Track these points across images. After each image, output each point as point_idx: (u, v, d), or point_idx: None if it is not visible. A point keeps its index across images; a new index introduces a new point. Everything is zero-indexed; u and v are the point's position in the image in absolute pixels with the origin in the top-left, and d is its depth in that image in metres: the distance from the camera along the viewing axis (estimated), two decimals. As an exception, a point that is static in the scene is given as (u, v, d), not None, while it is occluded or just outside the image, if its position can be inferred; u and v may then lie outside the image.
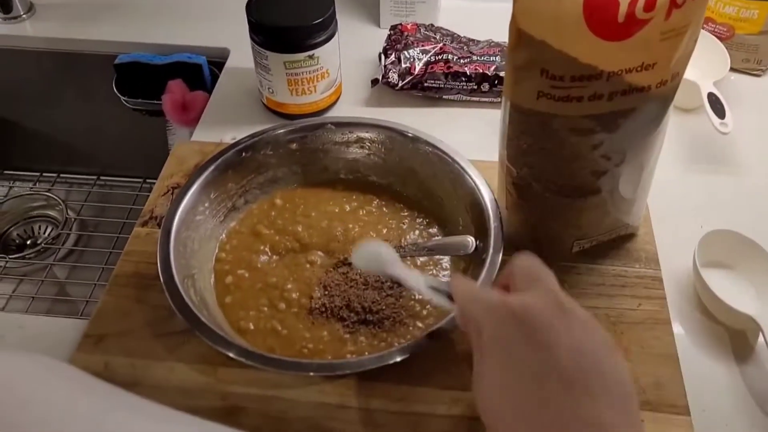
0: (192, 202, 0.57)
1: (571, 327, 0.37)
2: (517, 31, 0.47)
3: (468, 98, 0.82)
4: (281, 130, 0.63)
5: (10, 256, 0.96)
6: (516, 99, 0.51)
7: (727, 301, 0.57)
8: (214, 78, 0.89)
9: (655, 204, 0.68)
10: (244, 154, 0.61)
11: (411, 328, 0.54)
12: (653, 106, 0.52)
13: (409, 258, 0.58)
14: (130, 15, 0.97)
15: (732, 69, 0.81)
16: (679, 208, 0.69)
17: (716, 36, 0.82)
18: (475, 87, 0.80)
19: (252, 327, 0.54)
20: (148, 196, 0.70)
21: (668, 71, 0.50)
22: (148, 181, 1.05)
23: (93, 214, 1.03)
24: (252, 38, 0.75)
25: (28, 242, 0.99)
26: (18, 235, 1.01)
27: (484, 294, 0.41)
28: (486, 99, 0.81)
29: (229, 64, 0.89)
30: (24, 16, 0.95)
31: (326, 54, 0.75)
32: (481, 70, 0.80)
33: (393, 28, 0.87)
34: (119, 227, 0.98)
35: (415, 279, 0.50)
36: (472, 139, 0.74)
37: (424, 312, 0.55)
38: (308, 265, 0.58)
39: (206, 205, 0.59)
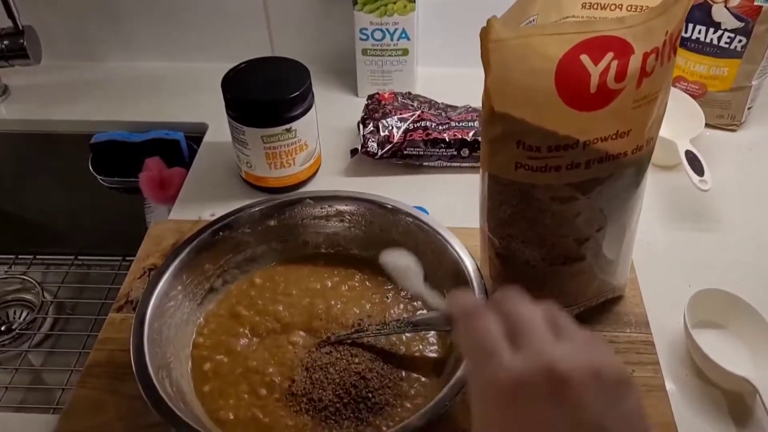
0: (167, 286, 0.55)
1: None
2: (490, 107, 0.46)
3: (448, 164, 0.81)
4: (259, 208, 0.62)
5: (-16, 344, 0.93)
6: (494, 170, 0.51)
7: (721, 364, 0.55)
8: (193, 153, 0.88)
9: (641, 264, 0.67)
10: (221, 233, 0.60)
11: (399, 409, 0.52)
12: (630, 171, 0.52)
13: (394, 335, 0.57)
14: (105, 93, 0.97)
15: (707, 125, 0.82)
16: (666, 268, 0.68)
17: (689, 94, 0.83)
18: (455, 153, 0.80)
19: (232, 417, 0.52)
20: (127, 275, 0.69)
21: (643, 137, 0.50)
22: (127, 258, 1.02)
23: (70, 296, 1.00)
24: (228, 113, 0.75)
25: (3, 328, 0.96)
26: (-8, 320, 0.99)
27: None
28: (466, 164, 0.81)
29: (207, 138, 0.89)
30: (-2, 99, 0.95)
31: (304, 126, 0.75)
32: (460, 136, 0.80)
33: (370, 97, 0.87)
34: (98, 308, 0.95)
35: (436, 302, 0.53)
36: (455, 205, 0.73)
37: (412, 391, 0.53)
38: (290, 347, 0.56)
39: (182, 288, 0.57)
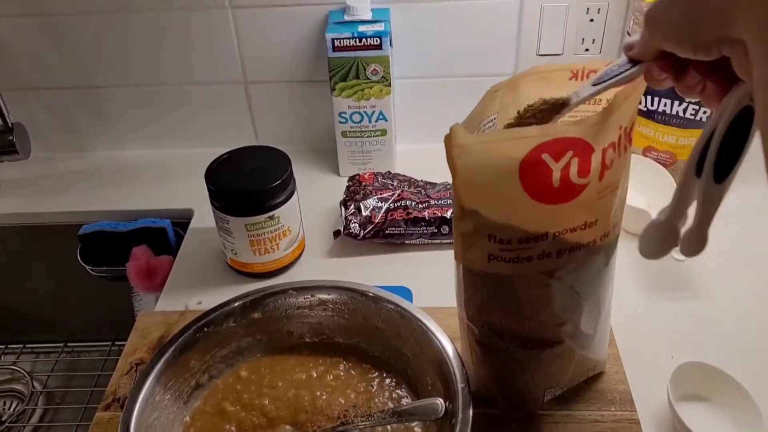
0: (152, 388, 0.55)
1: None
2: (460, 205, 0.48)
3: (429, 241, 0.83)
4: (242, 301, 0.63)
5: (-28, 440, 0.92)
6: (468, 263, 0.52)
7: (707, 440, 0.55)
8: (180, 239, 0.89)
9: (622, 337, 0.68)
10: (205, 329, 0.61)
11: (386, 504, 0.52)
12: (600, 256, 0.53)
13: (380, 426, 0.57)
14: (93, 183, 0.99)
15: (679, 192, 0.84)
16: (647, 339, 0.69)
17: (660, 163, 0.86)
18: (435, 230, 0.82)
19: None
20: (117, 360, 0.69)
21: (609, 223, 0.51)
22: (116, 343, 1.03)
23: (60, 385, 1.00)
24: (212, 203, 0.76)
25: (-8, 421, 0.96)
26: (-18, 413, 0.98)
27: None
28: (447, 241, 0.82)
29: (193, 224, 0.91)
30: (-11, 194, 0.97)
31: (286, 213, 0.77)
32: (439, 214, 0.82)
33: (351, 179, 0.89)
34: (87, 397, 0.95)
35: None
36: (438, 281, 0.74)
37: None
38: (276, 443, 0.57)
39: (168, 388, 0.57)
